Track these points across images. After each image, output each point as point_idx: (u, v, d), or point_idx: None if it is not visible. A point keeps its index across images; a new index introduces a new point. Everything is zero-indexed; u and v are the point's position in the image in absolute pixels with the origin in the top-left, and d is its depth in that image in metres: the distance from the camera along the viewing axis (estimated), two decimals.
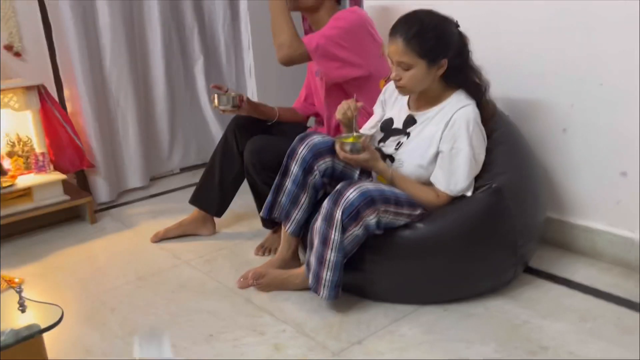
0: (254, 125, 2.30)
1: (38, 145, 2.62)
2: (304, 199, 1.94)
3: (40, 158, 2.60)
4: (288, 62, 2.13)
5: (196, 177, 2.65)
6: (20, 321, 1.36)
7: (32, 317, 1.38)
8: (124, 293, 2.03)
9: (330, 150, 1.89)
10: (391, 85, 1.94)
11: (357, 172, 1.96)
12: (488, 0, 2.18)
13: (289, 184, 1.94)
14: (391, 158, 1.88)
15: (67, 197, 2.61)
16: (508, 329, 1.68)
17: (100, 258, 2.36)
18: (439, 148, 1.79)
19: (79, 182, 2.91)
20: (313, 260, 1.78)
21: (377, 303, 1.84)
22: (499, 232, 1.80)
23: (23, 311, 1.38)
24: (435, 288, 1.82)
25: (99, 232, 2.61)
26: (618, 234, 2.00)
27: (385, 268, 1.80)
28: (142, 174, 3.17)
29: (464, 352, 1.58)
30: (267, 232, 2.35)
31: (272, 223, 2.27)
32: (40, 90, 2.58)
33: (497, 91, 1.91)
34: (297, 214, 1.96)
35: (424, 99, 1.86)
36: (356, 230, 1.71)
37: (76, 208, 2.71)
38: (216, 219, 2.48)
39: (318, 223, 1.77)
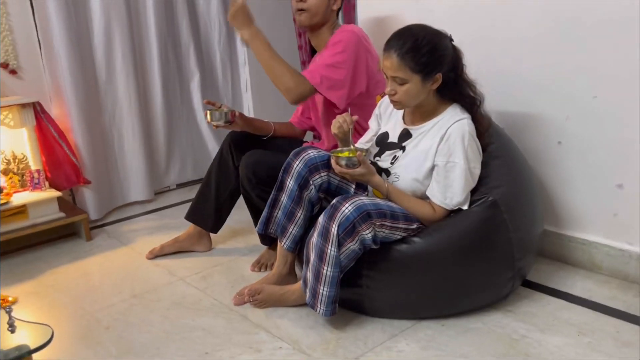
0: (250, 140, 2.29)
1: (34, 162, 2.62)
2: (299, 214, 1.93)
3: (36, 175, 2.60)
4: (299, 102, 2.13)
5: (192, 192, 2.65)
6: (9, 342, 1.34)
7: (22, 338, 1.36)
8: (119, 311, 2.01)
9: (326, 165, 1.89)
10: (386, 99, 1.94)
11: (353, 186, 1.95)
12: (481, 14, 2.20)
13: (284, 198, 1.93)
14: (387, 172, 1.88)
15: (62, 214, 2.60)
16: (506, 343, 1.66)
17: (95, 275, 2.34)
18: (435, 162, 1.79)
19: (75, 198, 2.90)
20: (310, 276, 1.77)
21: (374, 319, 1.83)
22: (496, 245, 1.79)
23: (13, 331, 1.37)
24: (433, 303, 1.81)
25: (95, 249, 2.59)
26: (615, 246, 2.00)
27: (382, 283, 1.79)
28: (143, 189, 3.17)
29: None
30: (263, 247, 2.34)
31: (268, 238, 2.26)
32: (36, 108, 2.58)
33: (491, 104, 1.92)
34: (293, 229, 1.95)
35: (419, 113, 1.86)
36: (352, 245, 1.70)
37: (72, 225, 2.70)
38: (212, 235, 2.47)
39: (314, 238, 1.77)
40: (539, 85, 2.08)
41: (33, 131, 2.58)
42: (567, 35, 1.97)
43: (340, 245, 1.68)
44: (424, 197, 1.84)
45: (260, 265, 2.27)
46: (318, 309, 1.74)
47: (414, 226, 1.80)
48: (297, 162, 1.90)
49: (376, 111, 2.05)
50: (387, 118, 2.00)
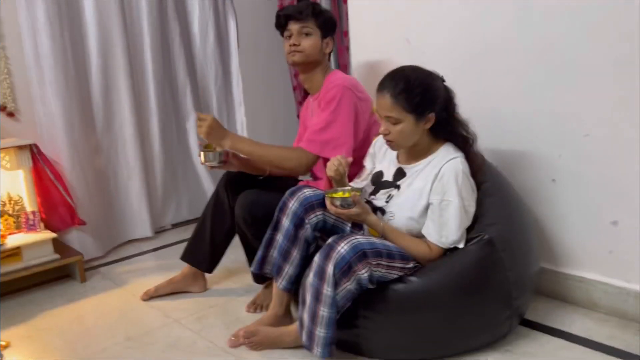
0: (245, 180, 2.30)
1: (29, 203, 2.61)
2: (295, 253, 1.92)
3: (31, 217, 2.59)
4: (307, 173, 2.19)
5: (188, 232, 2.64)
6: None
7: None
8: (113, 354, 1.98)
9: (321, 204, 1.89)
10: (380, 138, 1.96)
11: (349, 225, 1.95)
12: (472, 55, 2.24)
13: (280, 238, 1.93)
14: (382, 211, 1.89)
15: (57, 256, 2.58)
16: None
17: (89, 318, 2.31)
18: (429, 200, 1.80)
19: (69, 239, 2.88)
20: (306, 317, 1.75)
21: None
22: (493, 284, 1.78)
23: None
24: (430, 343, 1.78)
25: (89, 291, 2.56)
26: (612, 284, 1.99)
27: (378, 324, 1.77)
28: (142, 227, 3.18)
29: None
30: (259, 288, 2.32)
31: (263, 278, 2.24)
32: (32, 149, 2.60)
33: (484, 143, 1.94)
34: (288, 269, 1.93)
35: (412, 152, 1.88)
36: (349, 285, 1.69)
37: (66, 267, 2.68)
38: (207, 275, 2.45)
39: (310, 278, 1.75)
40: (531, 124, 2.11)
41: (29, 173, 2.59)
42: (559, 75, 2.01)
43: (336, 285, 1.67)
44: (420, 236, 1.84)
45: (256, 306, 2.24)
46: (315, 351, 1.72)
47: (410, 265, 1.79)
48: (293, 201, 1.90)
49: (371, 150, 2.07)
50: (381, 157, 2.02)
